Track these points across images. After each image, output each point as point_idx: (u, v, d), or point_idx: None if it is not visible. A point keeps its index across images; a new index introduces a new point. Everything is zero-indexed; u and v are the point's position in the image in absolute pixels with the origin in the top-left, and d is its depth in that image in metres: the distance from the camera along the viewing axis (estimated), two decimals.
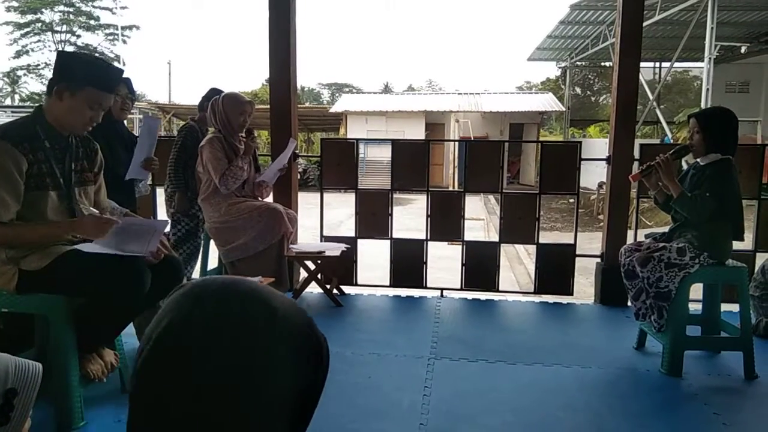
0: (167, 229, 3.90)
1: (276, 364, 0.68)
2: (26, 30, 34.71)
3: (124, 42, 35.38)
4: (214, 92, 4.06)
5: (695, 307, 3.50)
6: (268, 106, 4.50)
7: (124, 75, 3.22)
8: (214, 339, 0.66)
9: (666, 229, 3.26)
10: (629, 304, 3.31)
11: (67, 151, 2.35)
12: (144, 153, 3.32)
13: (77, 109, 2.26)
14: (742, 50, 18.11)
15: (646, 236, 3.36)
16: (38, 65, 36.05)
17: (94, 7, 35.22)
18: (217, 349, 0.66)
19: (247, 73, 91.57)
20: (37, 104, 2.33)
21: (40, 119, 2.28)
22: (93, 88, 2.26)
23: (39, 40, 35.37)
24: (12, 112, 20.53)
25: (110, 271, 2.18)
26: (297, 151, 4.55)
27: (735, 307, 3.18)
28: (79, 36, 35.75)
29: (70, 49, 34.19)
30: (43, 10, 34.42)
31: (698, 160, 3.12)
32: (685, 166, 3.21)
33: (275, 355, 0.68)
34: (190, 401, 0.64)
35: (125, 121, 3.72)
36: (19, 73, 36.27)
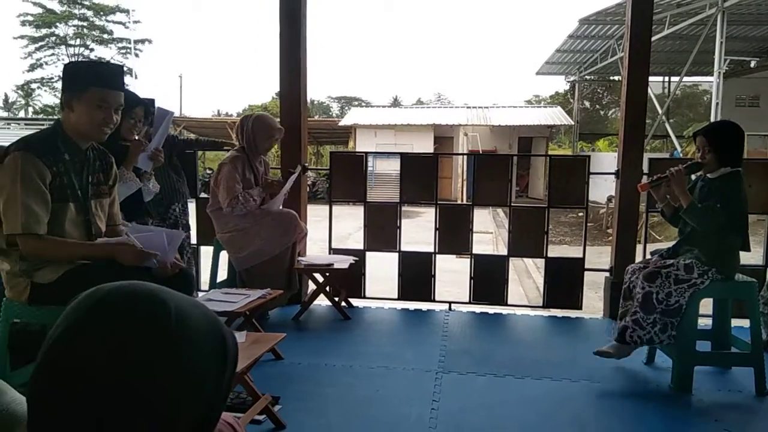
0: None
1: (175, 367, 0.67)
2: (41, 44, 35.19)
3: (137, 56, 35.73)
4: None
5: (705, 322, 3.47)
6: (279, 120, 4.54)
7: (147, 98, 3.26)
8: (106, 347, 0.65)
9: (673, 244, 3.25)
10: (616, 322, 3.27)
11: (85, 164, 2.37)
12: (154, 144, 3.33)
13: (87, 112, 2.26)
14: (752, 64, 18.10)
15: (652, 253, 3.35)
16: (52, 78, 36.50)
17: (107, 21, 35.69)
18: (111, 358, 0.65)
19: (257, 87, 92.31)
20: (51, 116, 2.35)
21: (60, 132, 2.30)
22: (94, 87, 2.26)
23: (53, 54, 35.85)
24: (25, 124, 20.76)
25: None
26: (306, 164, 4.58)
27: (745, 323, 3.16)
28: (92, 50, 36.19)
29: None
30: (58, 24, 34.90)
31: (707, 174, 3.12)
32: (692, 178, 3.21)
33: (173, 357, 0.67)
34: (85, 412, 0.64)
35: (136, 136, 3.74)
36: (33, 86, 36.76)
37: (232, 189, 3.76)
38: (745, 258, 3.12)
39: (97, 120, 2.28)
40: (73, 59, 35.36)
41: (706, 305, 3.25)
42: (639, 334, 2.97)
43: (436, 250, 4.51)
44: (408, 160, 4.65)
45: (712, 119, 13.67)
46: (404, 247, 4.58)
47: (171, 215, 3.94)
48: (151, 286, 0.73)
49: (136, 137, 3.40)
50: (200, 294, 3.36)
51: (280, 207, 4.09)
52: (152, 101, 3.67)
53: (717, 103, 14.09)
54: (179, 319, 0.69)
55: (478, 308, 4.49)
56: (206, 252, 4.46)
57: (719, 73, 14.23)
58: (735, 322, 3.36)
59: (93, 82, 2.26)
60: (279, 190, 3.96)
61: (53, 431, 0.65)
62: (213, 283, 4.16)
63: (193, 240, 4.53)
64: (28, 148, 2.19)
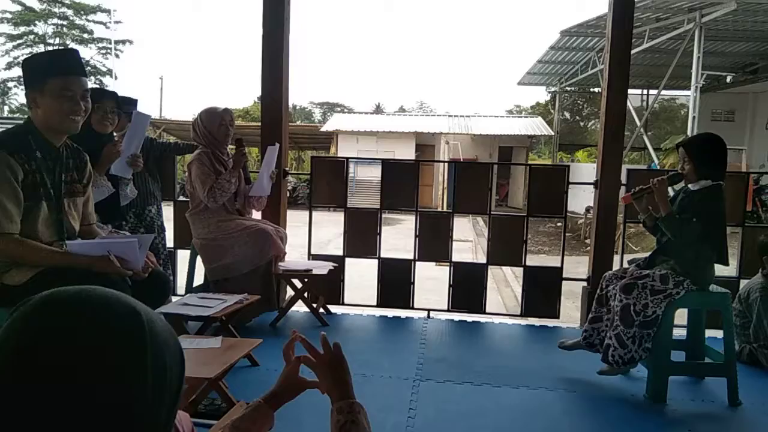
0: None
1: (146, 376, 0.66)
2: (19, 42, 34.62)
3: (117, 56, 35.32)
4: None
5: (679, 333, 3.51)
6: (260, 124, 4.51)
7: (111, 89, 3.22)
8: (75, 350, 0.64)
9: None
10: (585, 325, 3.32)
11: (57, 162, 2.33)
12: (131, 149, 3.28)
13: (51, 105, 2.21)
14: (728, 80, 18.46)
15: (629, 262, 3.38)
16: None
17: (88, 20, 35.23)
18: (82, 361, 0.63)
19: (239, 90, 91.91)
20: (27, 116, 2.29)
21: (32, 129, 2.25)
22: (52, 78, 2.20)
23: (31, 53, 35.29)
24: (0, 122, 20.39)
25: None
26: (287, 169, 4.55)
27: (718, 333, 3.20)
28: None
29: None
30: (37, 22, 34.37)
31: (689, 185, 3.16)
32: (671, 193, 3.25)
33: (145, 366, 0.66)
34: (46, 415, 0.62)
35: (115, 135, 3.68)
36: (10, 84, 36.13)
37: (206, 182, 3.73)
38: (719, 270, 3.17)
39: (65, 110, 2.22)
40: None
41: (681, 316, 3.29)
42: (620, 353, 2.96)
43: (416, 257, 4.51)
44: (389, 166, 4.65)
45: (689, 133, 13.90)
46: (384, 254, 4.57)
47: (147, 216, 3.89)
48: (118, 293, 0.71)
49: (114, 134, 3.36)
50: (175, 298, 3.31)
51: (268, 191, 4.06)
52: (135, 101, 3.64)
53: (694, 117, 14.34)
54: (151, 329, 0.69)
55: (457, 316, 4.49)
56: (183, 256, 4.40)
57: (696, 87, 14.48)
58: (708, 333, 3.40)
59: (50, 73, 2.21)
60: (240, 160, 3.88)
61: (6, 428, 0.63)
62: (189, 288, 4.11)
63: (170, 243, 4.48)
64: (0, 146, 2.14)
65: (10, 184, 2.12)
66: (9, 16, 33.73)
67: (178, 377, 0.72)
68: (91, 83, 3.04)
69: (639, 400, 3.00)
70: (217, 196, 3.74)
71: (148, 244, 2.48)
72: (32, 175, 2.20)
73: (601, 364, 3.10)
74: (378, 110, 45.77)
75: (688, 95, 15.68)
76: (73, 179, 2.42)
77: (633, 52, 4.43)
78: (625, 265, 3.49)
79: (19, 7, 33.60)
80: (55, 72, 2.21)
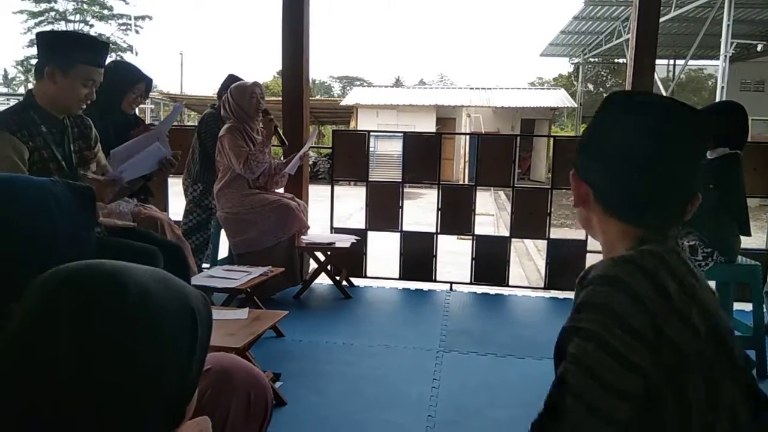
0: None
1: (137, 349, 0.66)
2: (40, 19, 34.83)
3: (137, 32, 35.42)
4: (231, 79, 4.05)
5: None
6: (280, 98, 4.50)
7: (149, 76, 3.21)
8: (64, 332, 0.65)
9: None
10: None
11: (64, 134, 2.31)
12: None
13: (71, 88, 2.21)
14: (759, 48, 17.93)
15: None
16: None
17: None
18: (70, 343, 0.64)
19: (259, 65, 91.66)
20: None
21: (33, 104, 2.23)
22: (84, 65, 2.21)
23: (52, 29, 35.49)
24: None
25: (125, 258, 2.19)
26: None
27: (746, 306, 3.16)
28: (92, 25, 35.84)
29: None
30: None
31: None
32: None
33: (135, 340, 0.67)
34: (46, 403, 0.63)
35: (137, 111, 3.69)
36: (33, 61, 36.38)
37: (240, 153, 3.73)
38: (749, 242, 3.11)
39: (80, 96, 2.24)
40: None
41: None
42: None
43: (438, 231, 4.50)
44: (411, 139, 4.62)
45: None
46: (406, 228, 4.57)
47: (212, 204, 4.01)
48: (115, 266, 0.72)
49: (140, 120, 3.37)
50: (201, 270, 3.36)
51: (294, 168, 4.06)
52: (151, 80, 3.63)
53: (722, 87, 14.00)
54: (141, 299, 0.68)
55: (479, 289, 4.49)
56: None
57: (725, 56, 14.11)
58: (736, 306, 3.35)
59: (84, 60, 2.20)
60: (271, 127, 3.87)
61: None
62: (214, 261, 4.16)
63: None
64: (0, 126, 2.10)
65: (13, 163, 2.08)
66: None
67: (186, 349, 0.72)
68: (111, 59, 3.04)
69: None
70: (254, 167, 3.76)
71: (162, 139, 2.54)
72: (39, 152, 2.17)
73: None
74: (398, 84, 45.33)
75: (717, 65, 15.31)
76: (81, 147, 2.39)
77: (660, 20, 4.32)
78: None
79: None
80: (88, 60, 2.22)
